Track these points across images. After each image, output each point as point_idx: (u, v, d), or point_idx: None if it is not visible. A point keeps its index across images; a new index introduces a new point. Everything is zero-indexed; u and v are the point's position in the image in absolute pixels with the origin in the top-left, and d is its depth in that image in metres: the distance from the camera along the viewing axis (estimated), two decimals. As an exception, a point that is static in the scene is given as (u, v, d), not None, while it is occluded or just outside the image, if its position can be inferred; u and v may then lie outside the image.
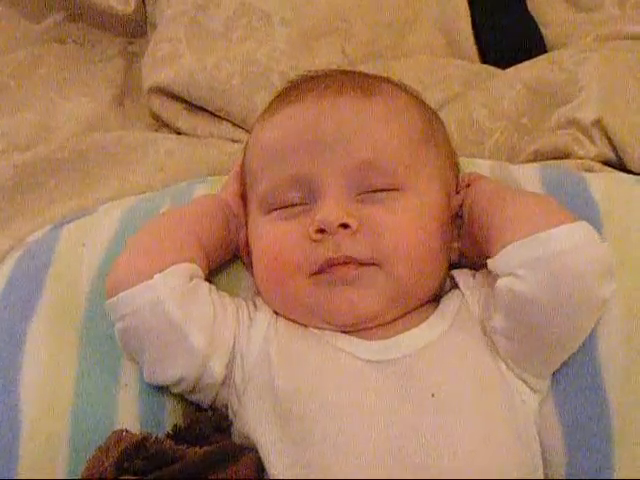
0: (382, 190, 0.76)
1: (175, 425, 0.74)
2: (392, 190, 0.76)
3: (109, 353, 0.81)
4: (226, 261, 0.86)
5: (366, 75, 0.86)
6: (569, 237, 0.70)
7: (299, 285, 0.75)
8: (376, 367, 0.72)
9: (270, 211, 0.78)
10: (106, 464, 0.68)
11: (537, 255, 0.69)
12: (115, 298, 0.74)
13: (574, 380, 0.77)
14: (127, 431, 0.72)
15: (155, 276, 0.73)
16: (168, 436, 0.73)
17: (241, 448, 0.72)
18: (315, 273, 0.74)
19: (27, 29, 1.41)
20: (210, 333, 0.74)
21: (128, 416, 0.78)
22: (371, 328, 0.75)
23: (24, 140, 1.22)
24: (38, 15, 1.42)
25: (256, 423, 0.73)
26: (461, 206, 0.81)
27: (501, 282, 0.71)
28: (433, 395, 0.70)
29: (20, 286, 0.87)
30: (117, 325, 0.75)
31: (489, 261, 0.73)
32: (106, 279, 0.77)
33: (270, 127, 0.81)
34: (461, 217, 0.81)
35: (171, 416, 0.79)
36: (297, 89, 0.83)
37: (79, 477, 0.70)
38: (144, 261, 0.75)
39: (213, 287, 0.79)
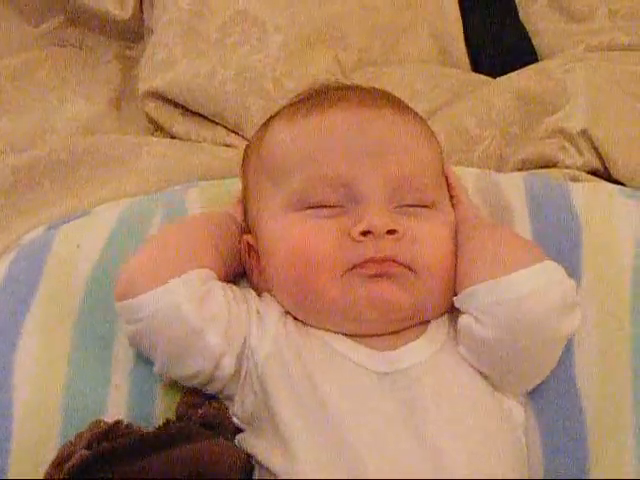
0: (414, 205, 0.77)
1: (167, 420, 0.75)
2: (423, 207, 0.78)
3: (101, 354, 0.82)
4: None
5: (392, 94, 0.87)
6: (529, 281, 0.71)
7: (329, 281, 0.74)
8: (384, 379, 0.73)
9: (302, 209, 0.77)
10: (76, 447, 0.70)
11: (496, 300, 0.71)
12: (132, 300, 0.74)
13: (551, 397, 0.79)
14: (104, 421, 0.74)
15: (171, 280, 0.73)
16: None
17: (203, 432, 0.73)
18: (349, 270, 0.74)
19: (26, 32, 1.42)
20: (225, 331, 0.74)
21: (118, 416, 0.78)
22: (377, 337, 0.76)
23: (22, 142, 1.23)
24: (37, 18, 1.43)
25: (278, 409, 0.72)
26: None
27: (462, 321, 0.74)
28: (437, 407, 0.71)
29: (14, 286, 0.88)
30: (130, 326, 0.76)
31: (455, 298, 0.75)
32: (116, 281, 0.77)
33: (307, 126, 0.79)
34: None
35: (161, 417, 0.79)
36: (332, 95, 0.82)
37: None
38: (162, 265, 0.75)
39: (225, 285, 0.78)
